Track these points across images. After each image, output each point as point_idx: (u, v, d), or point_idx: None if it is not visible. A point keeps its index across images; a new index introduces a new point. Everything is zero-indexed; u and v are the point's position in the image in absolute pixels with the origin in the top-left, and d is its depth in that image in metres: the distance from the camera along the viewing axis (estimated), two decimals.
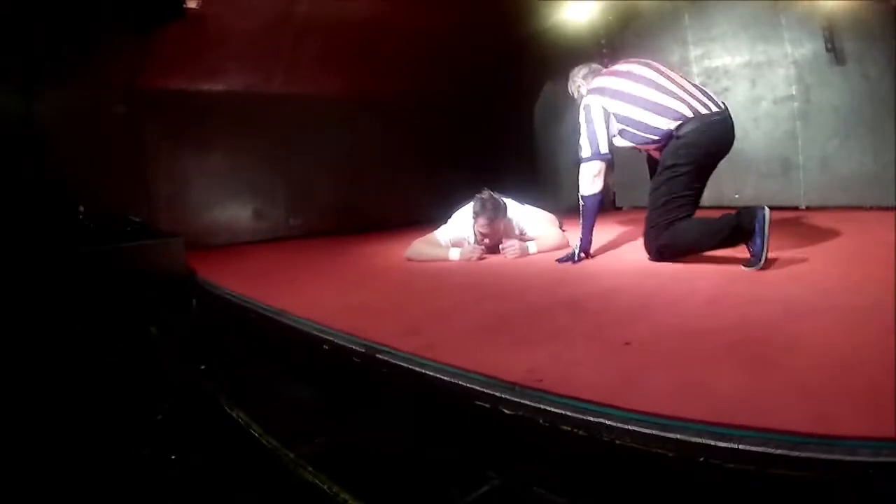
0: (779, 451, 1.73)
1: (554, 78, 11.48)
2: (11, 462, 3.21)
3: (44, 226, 6.70)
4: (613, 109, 4.95)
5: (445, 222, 6.42)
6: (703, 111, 4.70)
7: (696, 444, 1.84)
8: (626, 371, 2.49)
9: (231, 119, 9.17)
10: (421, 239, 6.35)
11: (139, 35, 7.84)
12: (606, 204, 10.89)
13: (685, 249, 4.65)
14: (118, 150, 8.18)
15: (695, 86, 4.90)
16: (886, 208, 6.79)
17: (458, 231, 6.21)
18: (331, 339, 3.49)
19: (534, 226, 6.40)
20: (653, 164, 5.26)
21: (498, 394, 2.38)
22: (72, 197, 7.22)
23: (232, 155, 9.29)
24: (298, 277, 5.93)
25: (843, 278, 3.84)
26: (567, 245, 6.08)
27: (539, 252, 5.99)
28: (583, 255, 5.38)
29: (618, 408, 2.08)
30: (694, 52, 8.85)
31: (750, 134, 8.29)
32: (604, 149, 5.04)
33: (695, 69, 8.77)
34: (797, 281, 3.91)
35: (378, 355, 3.05)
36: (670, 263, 4.85)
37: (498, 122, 12.04)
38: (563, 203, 10.51)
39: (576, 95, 5.59)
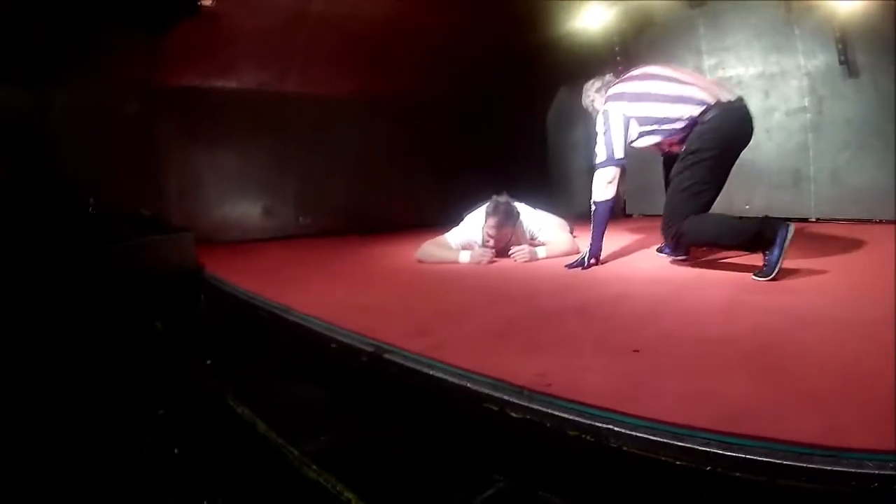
0: (786, 462, 1.73)
1: (568, 83, 11.49)
2: (12, 460, 3.21)
3: (54, 221, 6.71)
4: (635, 113, 4.93)
5: (456, 225, 6.42)
6: (724, 99, 4.69)
7: (703, 452, 1.84)
8: (634, 378, 2.48)
9: (243, 117, 9.20)
10: (431, 241, 6.36)
11: (154, 32, 7.86)
12: (617, 211, 10.90)
13: (703, 242, 4.69)
14: (130, 147, 8.20)
15: (710, 80, 4.89)
16: None
17: (468, 234, 6.21)
18: (339, 337, 3.49)
19: (545, 231, 6.39)
20: (669, 166, 5.24)
21: (506, 397, 2.38)
22: (83, 193, 7.23)
23: (243, 152, 9.32)
24: (307, 276, 5.94)
25: (853, 290, 3.84)
26: (577, 251, 6.08)
27: (549, 257, 5.98)
28: (592, 261, 5.37)
29: (626, 414, 2.08)
30: (707, 62, 8.84)
31: (762, 145, 8.27)
32: (619, 154, 5.02)
33: (708, 79, 8.79)
34: (808, 292, 3.91)
35: (386, 355, 3.05)
36: (681, 271, 4.87)
37: (511, 127, 12.04)
38: (574, 209, 10.51)
39: (590, 109, 5.57)
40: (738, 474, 1.77)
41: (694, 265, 5.19)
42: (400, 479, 2.54)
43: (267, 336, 4.56)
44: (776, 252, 4.19)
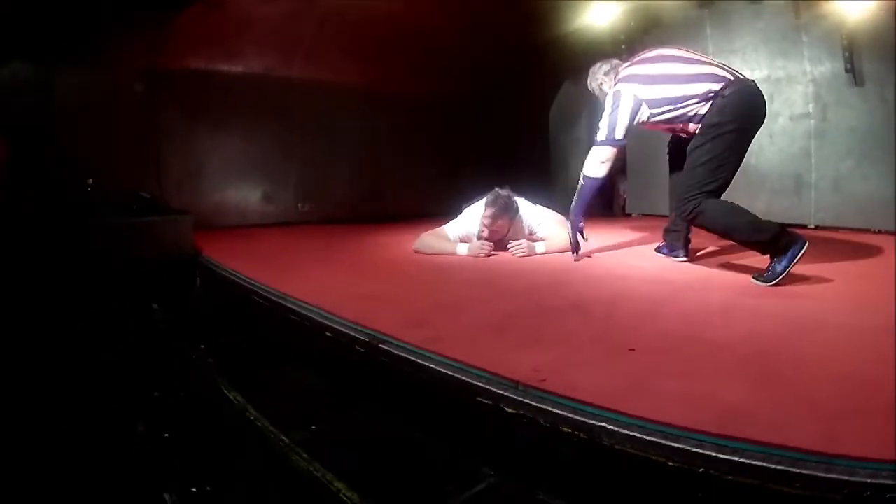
0: (779, 467, 1.73)
1: (572, 80, 11.49)
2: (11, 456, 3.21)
3: (56, 198, 6.72)
4: (648, 95, 4.87)
5: (455, 217, 6.40)
6: (741, 78, 4.70)
7: (697, 454, 1.84)
8: (630, 377, 2.48)
9: (248, 101, 9.21)
10: (429, 232, 6.34)
11: (162, 15, 7.85)
12: (617, 210, 10.90)
13: (716, 228, 4.58)
14: (134, 128, 8.24)
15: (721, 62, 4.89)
16: None
17: (467, 227, 6.19)
18: (335, 326, 3.49)
19: (544, 226, 6.35)
20: (675, 148, 5.29)
21: (500, 391, 2.38)
22: (85, 172, 7.24)
23: (246, 137, 9.32)
24: (305, 263, 5.94)
25: (852, 298, 3.85)
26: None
27: (547, 252, 5.97)
28: (580, 237, 5.45)
29: (620, 413, 2.07)
30: None
31: (765, 149, 8.28)
32: (619, 136, 4.98)
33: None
34: (806, 298, 3.92)
35: (381, 345, 3.05)
36: (679, 271, 4.88)
37: (515, 122, 12.07)
38: None
39: (597, 92, 5.52)
40: (730, 477, 1.78)
41: (692, 266, 5.19)
42: (391, 470, 2.54)
43: (262, 322, 4.56)
44: (784, 263, 4.20)
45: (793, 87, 8.19)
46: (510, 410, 2.32)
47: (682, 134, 5.04)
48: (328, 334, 3.51)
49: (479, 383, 2.47)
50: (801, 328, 3.16)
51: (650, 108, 4.88)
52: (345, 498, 2.32)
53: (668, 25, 9.39)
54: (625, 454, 1.97)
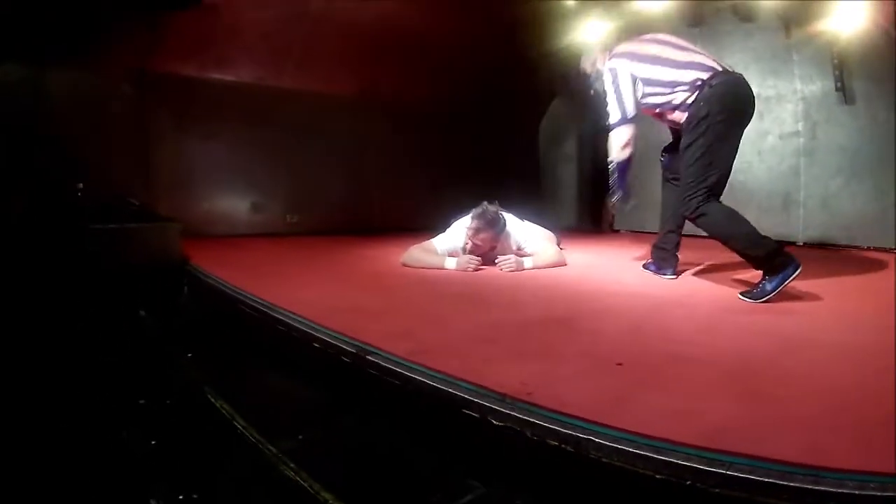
0: (767, 480, 1.74)
1: (563, 95, 11.53)
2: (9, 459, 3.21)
3: (43, 201, 6.71)
4: (642, 73, 4.90)
5: (443, 231, 6.41)
6: (729, 70, 4.73)
7: (684, 467, 1.84)
8: (617, 391, 2.49)
9: (238, 110, 9.18)
10: (417, 245, 6.34)
11: (153, 19, 7.86)
12: (605, 227, 10.95)
13: (717, 231, 4.60)
14: (123, 132, 8.21)
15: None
16: (885, 250, 6.83)
17: (455, 240, 6.20)
18: (322, 336, 3.49)
19: (532, 242, 6.39)
20: (667, 166, 5.42)
21: (487, 404, 2.38)
22: (73, 175, 7.23)
23: (236, 146, 9.29)
24: (293, 274, 5.93)
25: (838, 315, 3.89)
26: (564, 263, 6.21)
27: (535, 268, 5.99)
28: (624, 195, 5.42)
29: (607, 426, 2.08)
30: None
31: (754, 167, 8.35)
32: (631, 112, 4.97)
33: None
34: (792, 315, 3.95)
35: (369, 357, 3.05)
36: (667, 287, 4.89)
37: (505, 137, 12.11)
38: (564, 221, 10.53)
39: (590, 70, 5.55)
40: (717, 490, 1.78)
41: (679, 282, 5.21)
42: (378, 481, 2.54)
43: (249, 332, 4.55)
44: (774, 283, 4.23)
45: (783, 105, 8.25)
46: (497, 423, 2.32)
47: (668, 123, 5.12)
48: (316, 345, 3.50)
49: (466, 396, 2.47)
50: (787, 345, 3.18)
51: (644, 86, 4.92)
52: None
53: None
54: (612, 467, 1.97)
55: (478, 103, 11.39)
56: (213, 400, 3.49)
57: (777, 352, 3.05)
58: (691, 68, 4.70)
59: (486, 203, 5.99)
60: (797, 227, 8.08)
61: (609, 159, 5.31)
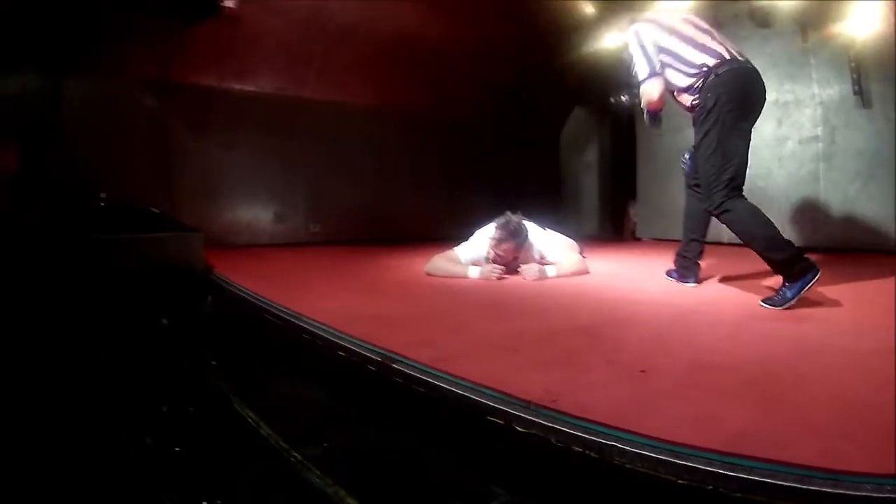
0: (786, 484, 1.75)
1: (584, 103, 11.55)
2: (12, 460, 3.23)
3: (64, 208, 6.75)
4: (660, 41, 4.91)
5: (467, 240, 6.44)
6: (739, 58, 4.72)
7: (706, 471, 1.85)
8: (640, 398, 2.50)
9: (259, 120, 9.27)
10: (441, 255, 6.39)
11: (174, 29, 7.92)
12: (627, 235, 10.95)
13: (740, 230, 4.58)
14: (145, 142, 8.31)
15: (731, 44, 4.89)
16: None
17: (478, 250, 6.23)
18: (347, 345, 3.51)
19: (554, 250, 6.41)
20: (691, 173, 5.31)
21: (512, 411, 2.38)
22: (95, 184, 7.27)
23: (257, 156, 9.37)
24: (316, 283, 5.97)
25: (858, 321, 3.87)
26: (586, 271, 6.24)
27: (558, 276, 6.00)
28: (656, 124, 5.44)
29: (630, 432, 2.09)
30: None
31: (773, 173, 8.34)
32: (657, 66, 4.95)
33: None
34: (813, 321, 3.94)
35: (394, 364, 3.06)
36: (689, 294, 4.89)
37: (525, 146, 12.13)
38: (585, 229, 10.54)
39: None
40: (738, 494, 1.79)
41: (701, 289, 5.21)
42: (402, 488, 2.56)
43: (274, 340, 4.58)
44: (796, 289, 4.23)
45: (801, 110, 8.24)
46: (522, 430, 2.33)
47: (681, 106, 5.09)
48: (340, 353, 3.52)
49: (491, 403, 2.48)
50: (807, 352, 3.18)
51: (660, 54, 4.92)
52: None
53: None
54: (635, 472, 1.99)
55: (498, 113, 11.45)
56: (236, 407, 3.52)
57: (797, 358, 3.06)
58: (703, 51, 4.72)
59: (509, 213, 6.03)
60: (817, 232, 8.06)
61: (643, 111, 5.32)
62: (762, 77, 4.80)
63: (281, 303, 4.62)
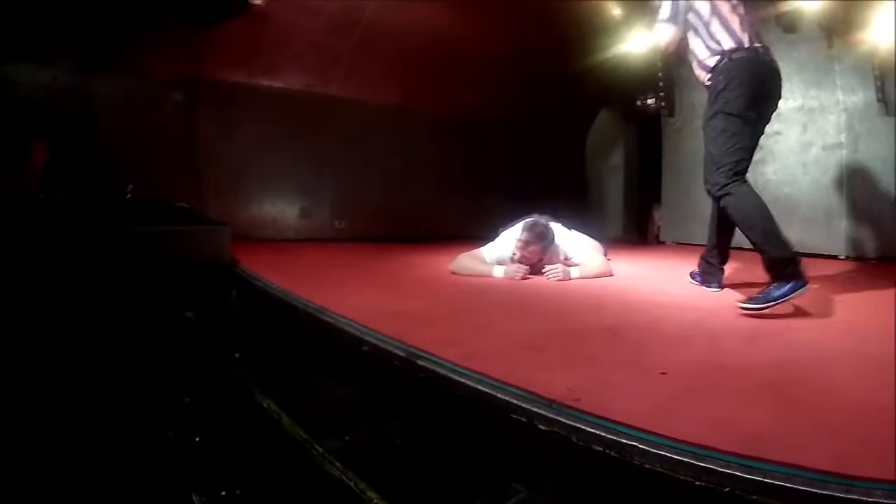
0: (801, 487, 1.78)
1: (609, 106, 11.55)
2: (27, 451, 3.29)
3: (93, 203, 6.80)
4: (696, 5, 4.84)
5: (492, 240, 6.48)
6: (759, 49, 4.66)
7: (723, 473, 1.89)
8: (660, 399, 2.53)
9: (286, 116, 9.32)
10: (466, 253, 6.42)
11: (203, 26, 7.96)
12: (651, 238, 10.94)
13: (739, 217, 4.57)
14: (173, 137, 8.35)
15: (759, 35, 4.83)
16: None
17: (504, 250, 6.26)
18: (372, 340, 3.54)
19: (579, 252, 6.46)
20: None
21: (535, 409, 2.41)
22: (123, 178, 7.33)
23: (284, 152, 9.42)
24: (340, 278, 6.02)
25: (878, 328, 3.84)
26: (610, 273, 6.26)
27: (582, 277, 6.03)
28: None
29: (650, 433, 2.13)
30: None
31: (798, 179, 8.33)
32: (680, 17, 4.91)
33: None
34: (833, 327, 3.98)
35: (419, 361, 3.10)
36: (710, 298, 4.90)
37: (552, 148, 12.13)
38: (609, 231, 10.55)
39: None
40: (754, 497, 1.82)
41: (723, 294, 5.22)
42: (423, 482, 2.60)
43: (298, 334, 4.61)
44: (782, 292, 4.19)
45: (825, 116, 8.23)
46: (544, 428, 2.35)
47: (696, 76, 5.04)
48: (365, 348, 3.56)
49: (514, 401, 2.50)
50: (828, 357, 3.20)
51: (686, 14, 4.89)
52: None
53: None
54: (654, 473, 2.02)
55: (524, 114, 11.45)
56: (259, 399, 3.57)
57: (816, 363, 3.08)
58: (726, 32, 4.67)
59: (536, 215, 6.06)
60: (840, 240, 8.05)
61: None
62: (779, 72, 4.76)
63: (307, 297, 4.66)
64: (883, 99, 7.61)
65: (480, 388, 2.69)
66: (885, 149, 7.64)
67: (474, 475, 2.58)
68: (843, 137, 8.13)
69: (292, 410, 3.30)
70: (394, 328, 3.66)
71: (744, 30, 4.69)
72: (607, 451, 2.14)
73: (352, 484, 2.50)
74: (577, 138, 12.85)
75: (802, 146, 8.48)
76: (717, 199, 4.74)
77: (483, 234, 6.75)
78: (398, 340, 3.40)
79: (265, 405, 3.48)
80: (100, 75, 7.71)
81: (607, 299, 5.11)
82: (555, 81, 11.14)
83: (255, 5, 7.74)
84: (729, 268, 5.50)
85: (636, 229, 12.43)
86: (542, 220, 6.06)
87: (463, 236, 8.90)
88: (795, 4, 8.29)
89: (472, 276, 6.11)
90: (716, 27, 4.71)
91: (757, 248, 4.50)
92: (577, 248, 6.48)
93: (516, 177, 11.61)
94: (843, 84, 8.10)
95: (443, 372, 2.93)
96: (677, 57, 5.19)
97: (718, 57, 4.67)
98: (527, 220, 6.10)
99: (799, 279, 4.19)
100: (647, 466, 2.05)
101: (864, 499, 1.71)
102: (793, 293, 4.17)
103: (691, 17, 4.87)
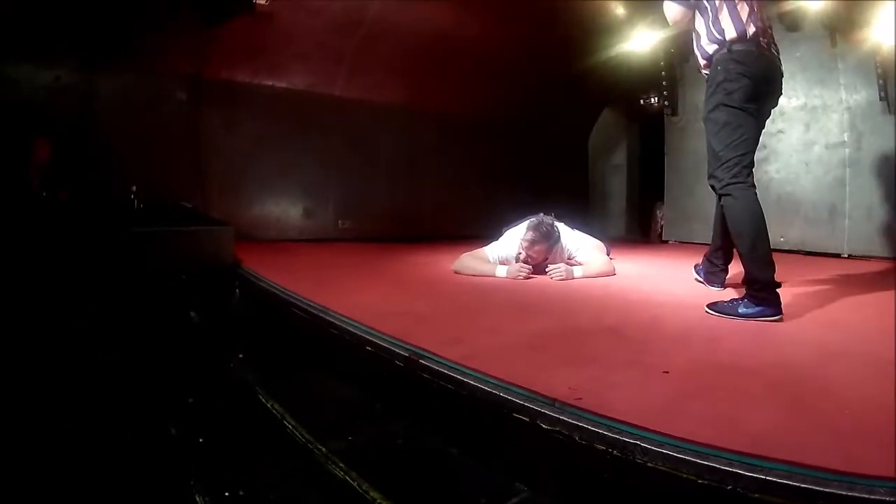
0: (803, 485, 1.78)
1: (612, 105, 11.56)
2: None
3: (96, 203, 6.82)
4: None
5: (495, 240, 6.49)
6: (762, 42, 4.50)
7: (725, 472, 1.89)
8: (663, 398, 2.53)
9: (290, 116, 9.33)
10: (469, 253, 6.42)
11: (207, 25, 7.97)
12: (653, 237, 10.94)
13: (732, 221, 4.39)
14: (176, 137, 8.36)
15: (766, 23, 4.71)
16: None
17: (507, 249, 6.27)
18: (375, 340, 3.55)
19: (582, 251, 6.47)
20: None
21: (537, 408, 2.42)
22: (126, 177, 7.34)
23: (287, 152, 9.43)
24: (344, 279, 6.01)
25: (880, 328, 3.84)
26: (613, 272, 6.25)
27: (585, 277, 6.04)
28: None
29: (653, 431, 2.13)
30: None
31: (801, 178, 8.33)
32: (689, 2, 4.75)
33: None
34: (836, 327, 3.95)
35: (422, 361, 3.10)
36: (714, 298, 4.86)
37: (555, 147, 12.15)
38: (612, 230, 10.55)
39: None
40: (756, 495, 1.83)
41: (726, 294, 5.21)
42: (426, 481, 2.60)
43: (301, 334, 4.62)
44: (747, 311, 4.15)
45: (828, 115, 8.24)
46: (546, 427, 2.36)
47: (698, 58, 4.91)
48: (368, 348, 3.56)
49: (516, 400, 2.51)
50: (830, 357, 3.19)
51: None
52: None
53: None
54: (656, 471, 2.03)
55: (527, 114, 11.49)
56: (263, 399, 3.57)
57: (818, 363, 3.08)
58: (732, 19, 4.47)
59: (541, 215, 6.07)
60: (842, 238, 8.05)
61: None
62: (780, 68, 4.66)
63: (309, 297, 4.67)
64: (886, 98, 7.61)
65: (483, 387, 2.69)
66: (888, 147, 7.64)
67: (477, 474, 2.57)
68: (845, 136, 8.13)
69: (296, 411, 3.30)
70: (397, 328, 3.67)
71: (750, 20, 4.51)
72: (610, 449, 2.15)
73: (355, 484, 2.51)
74: (580, 137, 12.87)
75: (805, 145, 8.49)
76: (719, 196, 4.62)
77: (487, 233, 6.76)
78: (401, 340, 3.41)
79: (269, 406, 3.48)
80: (102, 74, 7.72)
81: (610, 299, 5.11)
82: (558, 81, 11.16)
83: (259, 5, 7.75)
84: (733, 268, 5.48)
85: (639, 228, 12.44)
86: (547, 219, 6.06)
87: (467, 235, 8.92)
88: (798, 3, 8.30)
89: (474, 275, 6.11)
90: (724, 13, 4.53)
91: (741, 257, 4.41)
92: (580, 248, 6.49)
93: (520, 176, 11.65)
94: (846, 83, 8.10)
95: (445, 372, 2.94)
96: (681, 54, 5.13)
97: (717, 46, 4.56)
98: (531, 219, 6.10)
99: (770, 306, 4.13)
100: (649, 465, 2.05)
101: (867, 496, 1.72)
102: (760, 317, 4.11)
103: (704, 9, 4.66)
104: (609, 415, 2.27)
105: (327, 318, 4.18)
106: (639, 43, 9.97)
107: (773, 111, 4.81)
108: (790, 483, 1.80)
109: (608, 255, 7.08)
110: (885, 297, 5.05)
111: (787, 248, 8.17)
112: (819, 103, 8.39)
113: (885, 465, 1.83)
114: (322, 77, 9.56)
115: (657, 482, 2.03)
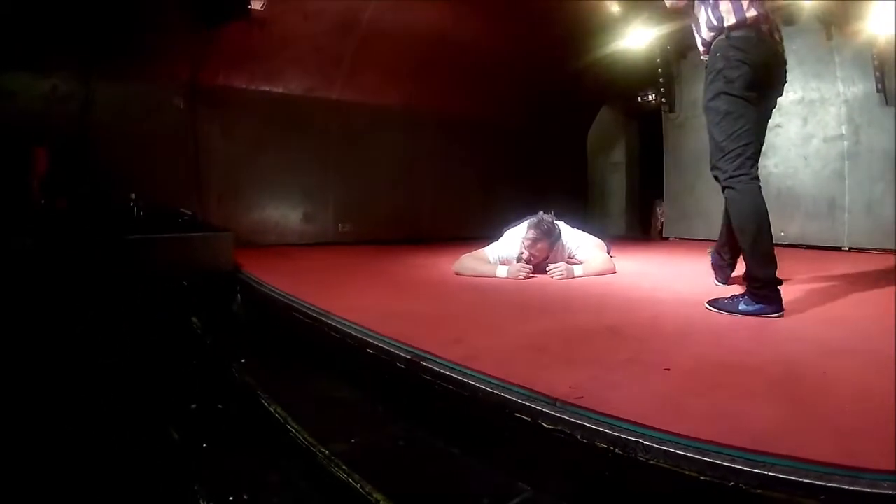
0: (806, 480, 1.78)
1: (610, 103, 11.56)
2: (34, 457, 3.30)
3: (95, 211, 6.82)
4: None
5: (495, 240, 6.49)
6: (764, 27, 4.35)
7: (727, 468, 1.89)
8: (664, 396, 2.53)
9: (288, 121, 9.33)
10: (469, 254, 6.42)
11: (203, 31, 7.98)
12: (654, 234, 10.95)
13: (735, 215, 4.32)
14: (174, 143, 8.37)
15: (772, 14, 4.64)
16: None
17: (507, 249, 6.27)
18: (376, 342, 3.55)
19: (582, 250, 6.47)
20: None
21: (538, 408, 2.42)
22: (124, 185, 7.34)
23: (286, 156, 9.43)
24: (344, 282, 6.02)
25: (881, 323, 3.84)
26: (613, 271, 6.25)
27: (585, 275, 6.04)
28: None
29: (654, 429, 2.13)
30: None
31: (799, 172, 8.34)
32: None
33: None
34: (836, 322, 3.95)
35: (423, 362, 3.11)
36: (715, 295, 4.86)
37: (553, 146, 12.15)
38: (612, 228, 10.55)
39: None
40: (759, 491, 1.83)
41: (727, 290, 5.20)
42: (428, 482, 2.60)
43: (302, 338, 4.62)
44: (747, 308, 4.13)
45: (826, 108, 8.24)
46: (548, 426, 2.36)
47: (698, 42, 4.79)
48: (369, 350, 3.57)
49: (518, 400, 2.51)
50: (831, 353, 3.18)
51: None
52: None
53: None
54: (659, 469, 2.03)
55: (525, 113, 11.49)
56: (265, 403, 3.57)
57: (820, 359, 3.07)
58: (731, 3, 4.30)
59: (542, 213, 6.07)
60: (842, 232, 8.05)
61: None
62: (783, 55, 4.57)
63: (310, 301, 4.68)
64: (883, 89, 7.62)
65: (484, 388, 2.70)
66: (886, 139, 7.64)
67: (479, 474, 2.57)
68: (843, 129, 8.13)
69: (298, 414, 3.30)
70: (398, 329, 3.68)
71: (751, 6, 4.32)
72: (611, 448, 2.15)
73: (358, 486, 2.50)
74: (578, 136, 12.87)
75: (803, 138, 8.49)
76: (723, 188, 4.49)
77: (487, 233, 6.76)
78: (402, 342, 3.42)
79: (271, 409, 3.48)
80: (99, 82, 7.71)
81: (610, 297, 5.11)
82: (555, 80, 11.16)
83: (254, 10, 7.75)
84: (739, 266, 5.46)
85: (639, 226, 12.47)
86: (547, 217, 6.06)
87: (467, 237, 8.93)
88: None
89: (475, 276, 6.11)
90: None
91: (743, 254, 4.35)
92: (580, 246, 6.50)
93: (519, 176, 11.65)
94: (843, 75, 8.11)
95: (447, 373, 2.94)
96: (677, 51, 5.10)
97: (716, 32, 4.43)
98: (531, 218, 6.10)
99: (771, 303, 4.10)
100: (651, 463, 2.05)
101: (870, 490, 1.71)
102: (759, 314, 4.08)
103: None
104: (610, 413, 2.27)
105: (328, 321, 4.19)
106: (635, 40, 9.98)
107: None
108: (792, 478, 1.79)
109: (608, 253, 7.10)
110: (885, 293, 5.04)
111: (787, 243, 8.16)
112: (816, 97, 8.40)
113: (887, 460, 1.83)
114: (320, 80, 9.56)
115: (659, 480, 2.03)
